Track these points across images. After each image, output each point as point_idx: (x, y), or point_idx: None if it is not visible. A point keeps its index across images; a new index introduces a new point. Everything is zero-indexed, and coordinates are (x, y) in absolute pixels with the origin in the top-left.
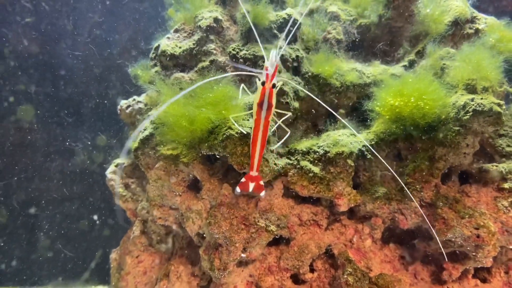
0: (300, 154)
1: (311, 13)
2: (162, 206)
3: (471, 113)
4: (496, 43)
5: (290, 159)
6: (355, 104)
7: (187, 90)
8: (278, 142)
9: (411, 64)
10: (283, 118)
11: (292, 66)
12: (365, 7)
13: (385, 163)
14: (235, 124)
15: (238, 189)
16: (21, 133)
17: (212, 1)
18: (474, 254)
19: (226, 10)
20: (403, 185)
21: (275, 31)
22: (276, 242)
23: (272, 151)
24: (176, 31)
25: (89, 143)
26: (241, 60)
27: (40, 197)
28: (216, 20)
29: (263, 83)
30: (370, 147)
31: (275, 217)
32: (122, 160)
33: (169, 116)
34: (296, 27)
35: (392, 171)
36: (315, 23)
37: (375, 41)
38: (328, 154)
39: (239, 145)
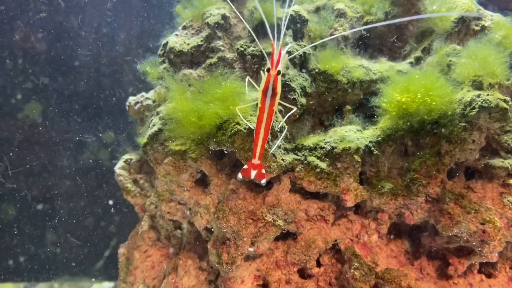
0: (307, 150)
1: (318, 10)
2: (171, 201)
3: (477, 109)
4: (502, 40)
5: (297, 155)
6: (362, 101)
7: None
8: (286, 138)
9: (418, 61)
10: (290, 113)
11: (299, 63)
12: (371, 4)
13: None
14: (243, 119)
15: (240, 175)
16: (30, 129)
17: None
18: (479, 249)
19: (234, 5)
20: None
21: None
22: (284, 237)
23: (279, 147)
24: (184, 28)
25: (100, 136)
26: (248, 56)
27: (51, 192)
28: (224, 17)
29: (268, 70)
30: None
31: (282, 212)
32: (131, 155)
33: (178, 112)
34: (303, 24)
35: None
36: (322, 20)
37: (382, 38)
38: (335, 149)
39: (247, 141)
